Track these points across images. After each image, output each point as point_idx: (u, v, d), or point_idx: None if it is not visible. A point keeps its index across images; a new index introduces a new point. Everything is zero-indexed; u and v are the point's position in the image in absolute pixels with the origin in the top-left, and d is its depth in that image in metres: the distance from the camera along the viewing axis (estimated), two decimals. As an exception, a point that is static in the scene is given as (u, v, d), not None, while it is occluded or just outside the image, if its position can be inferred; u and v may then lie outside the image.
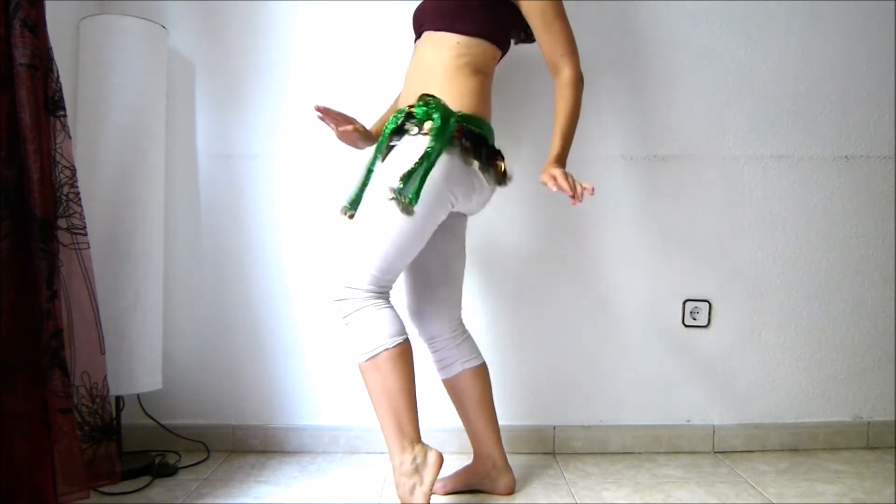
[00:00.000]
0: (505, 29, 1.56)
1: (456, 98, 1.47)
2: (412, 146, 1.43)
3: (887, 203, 2.02)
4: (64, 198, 1.44)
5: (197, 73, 1.98)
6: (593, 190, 1.35)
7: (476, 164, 1.47)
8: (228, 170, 1.98)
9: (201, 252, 1.99)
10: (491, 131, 1.55)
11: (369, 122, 1.73)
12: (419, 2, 1.62)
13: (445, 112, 1.43)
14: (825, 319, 2.03)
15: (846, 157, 2.02)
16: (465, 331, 1.67)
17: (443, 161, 1.41)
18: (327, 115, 1.59)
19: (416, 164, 1.40)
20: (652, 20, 1.98)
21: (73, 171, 1.46)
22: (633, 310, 2.01)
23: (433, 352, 1.66)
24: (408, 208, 1.38)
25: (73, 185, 1.46)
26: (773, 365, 2.02)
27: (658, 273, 2.00)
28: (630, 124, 2.00)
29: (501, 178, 1.55)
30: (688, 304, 2.01)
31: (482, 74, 1.52)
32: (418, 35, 1.60)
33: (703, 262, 2.01)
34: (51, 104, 1.38)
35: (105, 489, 1.61)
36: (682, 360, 2.01)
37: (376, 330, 1.39)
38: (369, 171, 1.56)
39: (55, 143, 1.39)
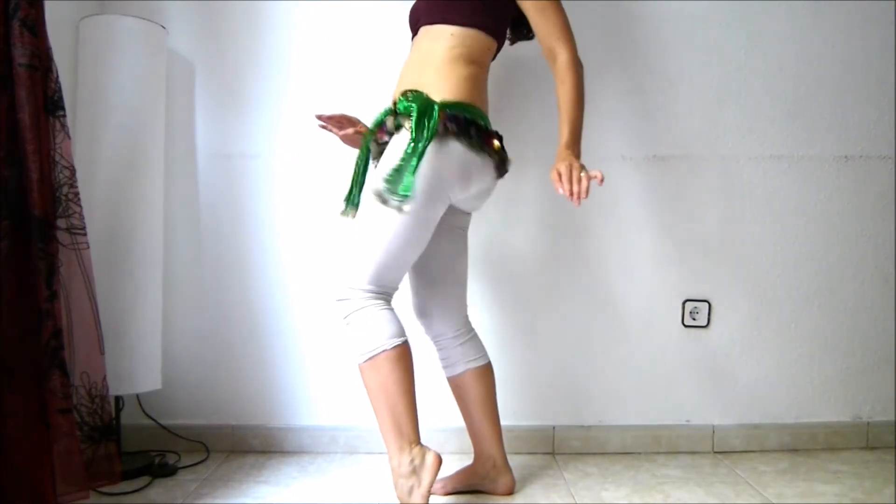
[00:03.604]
0: (499, 19, 1.54)
1: (447, 87, 1.45)
2: (398, 144, 1.42)
3: (887, 203, 2.02)
4: (63, 198, 1.44)
5: (197, 73, 1.98)
6: (602, 180, 1.32)
7: (466, 144, 1.43)
8: (228, 169, 1.98)
9: (201, 252, 1.99)
10: (482, 115, 1.50)
11: (369, 122, 1.73)
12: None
13: (424, 103, 1.41)
14: (825, 319, 2.03)
15: (846, 157, 2.01)
16: (470, 330, 1.67)
17: (430, 152, 1.38)
18: (330, 121, 1.58)
19: (401, 160, 1.38)
20: (652, 20, 1.97)
21: (73, 171, 1.46)
22: (632, 310, 2.00)
23: (438, 350, 1.66)
24: (400, 207, 1.36)
25: (73, 185, 1.46)
26: (772, 365, 2.02)
27: (658, 273, 2.00)
28: (630, 124, 2.00)
29: (500, 160, 1.52)
30: (687, 304, 2.00)
31: (476, 65, 1.51)
32: (415, 32, 1.60)
33: (702, 262, 2.01)
34: (50, 104, 1.38)
35: (104, 489, 1.61)
36: (681, 361, 2.01)
37: (376, 331, 1.39)
38: (358, 167, 1.56)
39: (54, 144, 1.39)
